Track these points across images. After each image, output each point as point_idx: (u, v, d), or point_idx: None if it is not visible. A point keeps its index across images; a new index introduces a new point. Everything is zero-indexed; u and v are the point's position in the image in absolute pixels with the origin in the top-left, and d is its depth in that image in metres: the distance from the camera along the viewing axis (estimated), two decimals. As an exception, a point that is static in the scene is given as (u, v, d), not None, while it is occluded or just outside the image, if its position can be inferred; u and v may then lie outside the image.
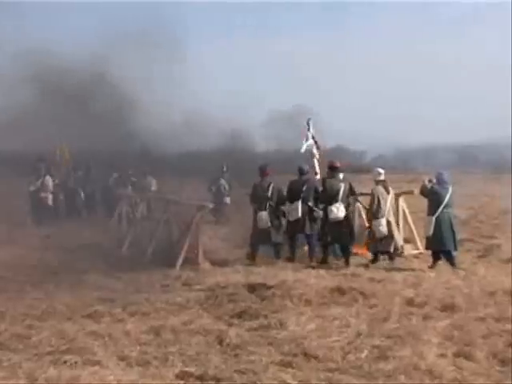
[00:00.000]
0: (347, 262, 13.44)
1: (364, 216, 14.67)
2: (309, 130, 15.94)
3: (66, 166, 22.91)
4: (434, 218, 13.06)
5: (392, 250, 13.50)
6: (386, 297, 10.29)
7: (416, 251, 14.50)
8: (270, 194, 14.32)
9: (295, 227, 14.18)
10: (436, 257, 13.24)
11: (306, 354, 7.62)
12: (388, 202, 13.50)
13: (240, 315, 9.32)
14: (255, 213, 14.34)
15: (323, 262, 13.59)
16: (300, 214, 14.00)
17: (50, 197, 20.57)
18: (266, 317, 9.16)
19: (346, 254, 13.64)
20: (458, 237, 13.44)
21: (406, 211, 14.90)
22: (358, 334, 8.32)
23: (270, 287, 10.79)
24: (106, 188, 22.11)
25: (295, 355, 7.62)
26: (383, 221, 13.36)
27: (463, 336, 8.24)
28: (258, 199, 14.40)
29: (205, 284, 11.54)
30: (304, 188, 14.12)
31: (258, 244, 14.34)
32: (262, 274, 12.42)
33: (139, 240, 16.13)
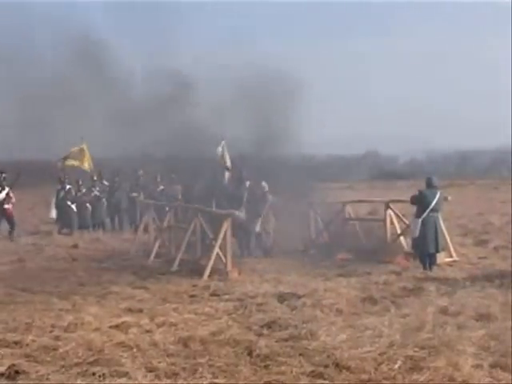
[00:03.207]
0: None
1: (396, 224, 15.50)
2: (223, 150, 18.60)
3: (89, 168, 22.84)
4: (420, 221, 13.48)
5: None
6: (419, 306, 10.11)
7: (450, 259, 14.30)
8: None
9: None
10: (423, 260, 13.62)
11: (337, 365, 7.44)
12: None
13: (270, 325, 9.16)
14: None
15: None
16: None
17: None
18: (296, 327, 8.99)
19: (242, 250, 16.21)
20: (443, 241, 13.91)
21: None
22: (391, 345, 8.12)
23: (300, 297, 10.71)
24: (132, 196, 22.14)
25: (326, 366, 7.44)
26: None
27: (500, 346, 8.00)
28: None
29: (233, 294, 11.44)
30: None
31: None
32: (291, 283, 12.32)
33: (166, 250, 16.11)
